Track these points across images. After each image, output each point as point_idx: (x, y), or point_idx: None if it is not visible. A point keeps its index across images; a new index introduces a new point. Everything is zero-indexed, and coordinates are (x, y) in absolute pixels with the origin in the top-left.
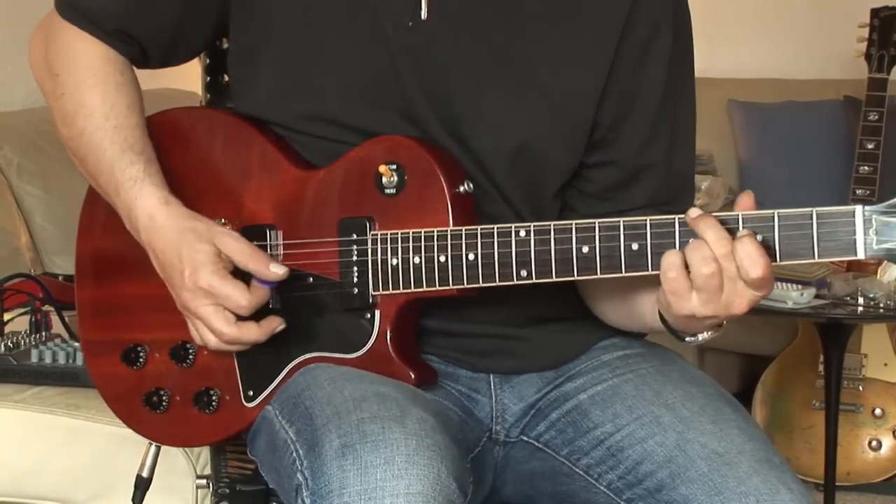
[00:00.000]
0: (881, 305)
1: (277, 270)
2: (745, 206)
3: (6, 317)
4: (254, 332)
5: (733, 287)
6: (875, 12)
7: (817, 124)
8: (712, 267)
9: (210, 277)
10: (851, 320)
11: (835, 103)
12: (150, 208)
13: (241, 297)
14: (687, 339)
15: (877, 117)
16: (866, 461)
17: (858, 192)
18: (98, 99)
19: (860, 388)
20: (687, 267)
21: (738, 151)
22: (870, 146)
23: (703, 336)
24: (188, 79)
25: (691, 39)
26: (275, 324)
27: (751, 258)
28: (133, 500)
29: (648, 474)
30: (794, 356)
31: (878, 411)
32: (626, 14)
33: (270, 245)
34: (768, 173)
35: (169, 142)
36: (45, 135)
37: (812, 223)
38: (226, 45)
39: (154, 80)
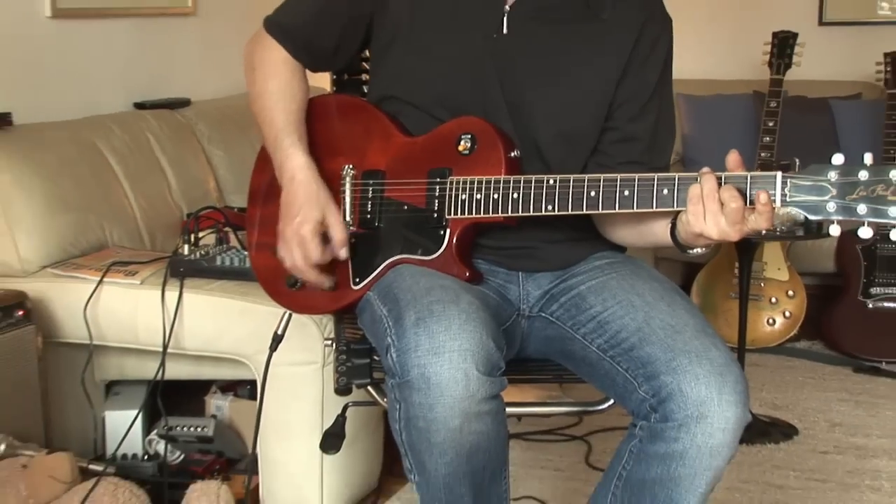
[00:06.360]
0: (776, 230)
1: (342, 253)
2: (733, 160)
3: (201, 234)
4: (313, 275)
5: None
6: (775, 34)
7: (736, 110)
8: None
9: (309, 232)
10: (757, 239)
11: (748, 95)
12: (295, 167)
13: (314, 255)
14: (689, 251)
15: (775, 105)
16: (765, 332)
17: (763, 155)
18: (276, 87)
19: (762, 284)
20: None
21: (682, 129)
22: (770, 124)
23: (699, 250)
24: (316, 78)
25: (672, 50)
26: (323, 279)
27: (730, 194)
28: (270, 347)
29: (624, 339)
30: (718, 263)
31: (773, 300)
32: (637, 33)
33: (375, 183)
34: (703, 145)
35: (320, 114)
36: (227, 116)
37: (747, 183)
38: None
39: None
